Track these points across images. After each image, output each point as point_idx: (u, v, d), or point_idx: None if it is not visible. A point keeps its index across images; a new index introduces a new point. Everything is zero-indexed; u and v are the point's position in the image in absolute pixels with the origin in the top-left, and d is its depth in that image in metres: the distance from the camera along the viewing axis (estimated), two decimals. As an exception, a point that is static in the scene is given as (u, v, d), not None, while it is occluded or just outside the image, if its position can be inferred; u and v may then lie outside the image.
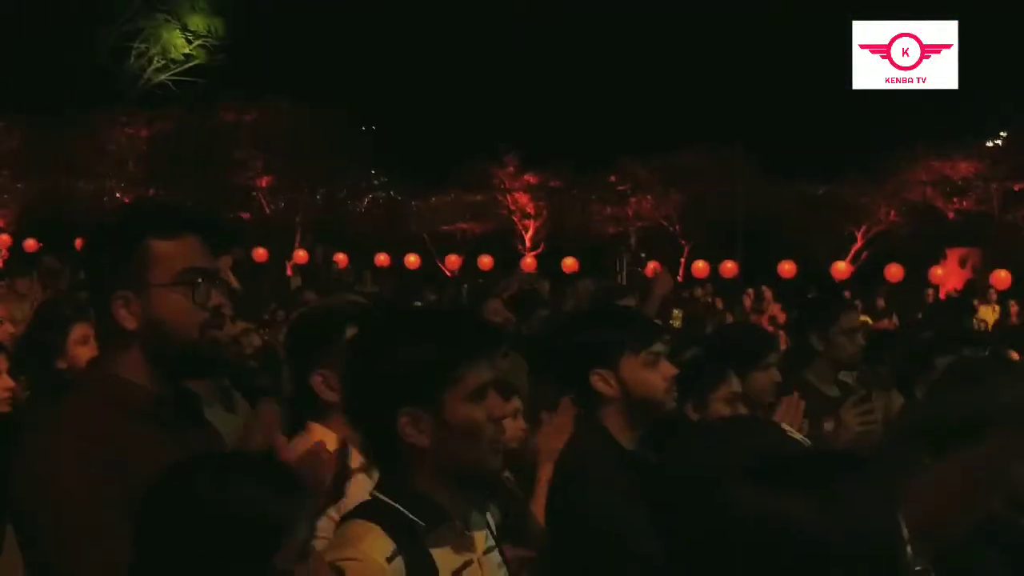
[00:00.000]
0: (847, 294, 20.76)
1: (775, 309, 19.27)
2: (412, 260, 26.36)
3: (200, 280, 2.56)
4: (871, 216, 25.70)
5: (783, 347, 10.25)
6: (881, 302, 19.80)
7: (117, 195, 27.41)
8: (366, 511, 2.41)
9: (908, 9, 13.22)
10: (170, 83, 31.61)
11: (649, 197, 27.02)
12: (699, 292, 21.13)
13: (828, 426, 4.60)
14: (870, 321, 16.64)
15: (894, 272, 23.39)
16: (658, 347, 3.39)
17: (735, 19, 33.45)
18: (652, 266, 20.36)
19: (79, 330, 5.38)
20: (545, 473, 4.05)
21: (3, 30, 32.31)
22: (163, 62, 31.81)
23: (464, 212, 28.16)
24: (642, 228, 26.32)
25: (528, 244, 27.55)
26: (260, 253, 26.33)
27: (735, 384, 4.19)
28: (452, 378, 2.35)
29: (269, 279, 23.21)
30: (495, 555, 2.63)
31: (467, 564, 2.45)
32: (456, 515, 2.44)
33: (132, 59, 33.58)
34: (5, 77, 32.14)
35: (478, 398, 2.37)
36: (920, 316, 17.27)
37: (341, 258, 26.35)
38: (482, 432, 2.38)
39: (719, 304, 20.14)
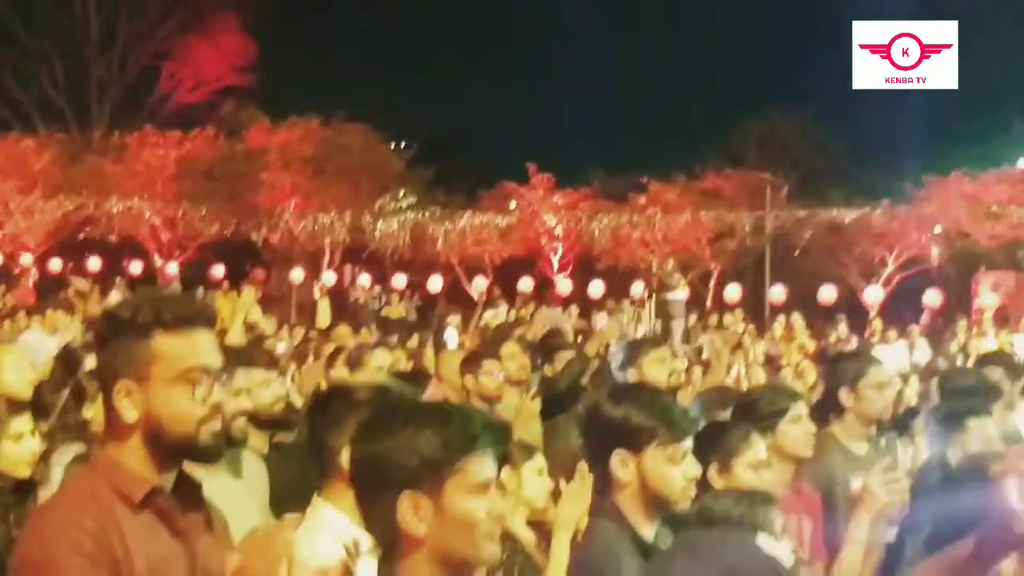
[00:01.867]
0: (877, 321, 20.60)
1: (804, 337, 19.12)
2: (438, 282, 26.28)
3: (203, 378, 2.60)
4: (903, 241, 25.37)
5: (812, 382, 10.14)
6: (916, 330, 19.56)
7: (147, 215, 27.43)
8: None
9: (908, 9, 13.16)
10: (200, 104, 31.78)
11: (679, 220, 26.80)
12: (729, 319, 20.95)
13: (856, 485, 4.49)
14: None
15: (932, 297, 23.10)
16: (688, 443, 3.30)
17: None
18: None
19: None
20: (560, 542, 3.94)
21: (35, 49, 32.64)
22: (194, 83, 31.92)
23: (492, 234, 28.03)
24: (671, 252, 26.06)
25: (557, 267, 27.39)
26: (289, 276, 26.42)
27: (760, 449, 4.08)
28: (455, 469, 2.36)
29: (297, 302, 23.25)
30: None
31: None
32: None
33: (163, 79, 33.86)
34: (36, 96, 32.45)
35: (479, 492, 2.37)
36: (953, 346, 17.04)
37: (367, 280, 26.36)
38: (478, 525, 2.37)
39: (750, 331, 20.01)
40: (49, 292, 21.51)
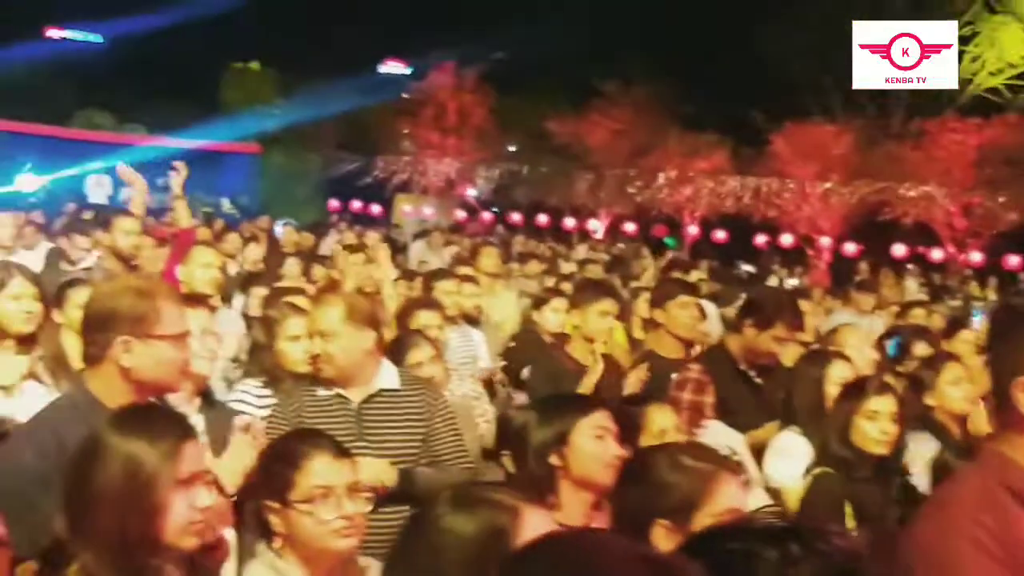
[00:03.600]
0: None
1: None
2: None
3: None
4: None
5: None
6: None
7: (943, 201, 27.12)
8: None
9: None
10: (1002, 87, 30.52)
11: None
12: None
13: None
14: None
15: None
16: None
17: None
18: None
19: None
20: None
21: (833, 36, 33.35)
22: (998, 66, 30.75)
23: None
24: None
25: None
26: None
27: None
28: None
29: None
30: None
31: None
32: None
33: (965, 62, 33.05)
34: (836, 83, 33.24)
35: None
36: None
37: None
38: None
39: None
40: (842, 274, 22.08)
